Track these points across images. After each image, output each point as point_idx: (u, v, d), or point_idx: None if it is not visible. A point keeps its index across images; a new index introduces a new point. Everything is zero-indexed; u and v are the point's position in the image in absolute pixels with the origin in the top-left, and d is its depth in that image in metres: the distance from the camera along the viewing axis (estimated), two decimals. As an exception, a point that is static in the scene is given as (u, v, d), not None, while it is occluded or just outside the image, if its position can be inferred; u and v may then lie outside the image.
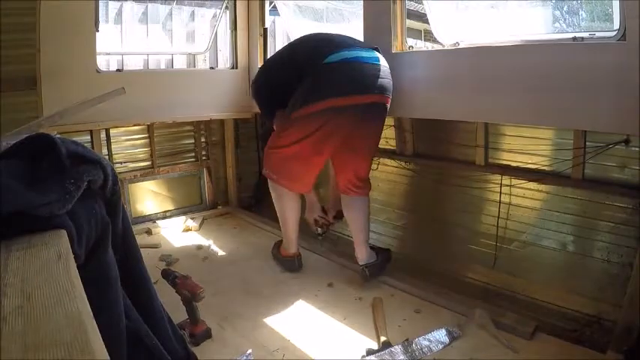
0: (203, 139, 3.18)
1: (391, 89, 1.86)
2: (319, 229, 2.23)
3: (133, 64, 5.36)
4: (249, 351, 1.50)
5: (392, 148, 2.44)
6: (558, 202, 1.83)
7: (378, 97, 1.82)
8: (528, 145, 1.92)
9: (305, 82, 1.81)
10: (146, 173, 2.93)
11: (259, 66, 3.07)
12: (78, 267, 0.53)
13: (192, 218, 2.91)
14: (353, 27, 3.17)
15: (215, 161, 3.24)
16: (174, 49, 6.40)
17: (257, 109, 3.24)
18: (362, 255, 1.98)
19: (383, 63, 1.84)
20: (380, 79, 1.80)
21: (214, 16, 3.81)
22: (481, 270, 1.96)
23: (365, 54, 1.81)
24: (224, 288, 1.99)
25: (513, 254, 1.91)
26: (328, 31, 2.15)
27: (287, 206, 2.10)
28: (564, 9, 2.19)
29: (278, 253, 2.23)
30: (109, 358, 0.38)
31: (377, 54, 1.86)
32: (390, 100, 1.87)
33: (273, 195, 2.12)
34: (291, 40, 2.19)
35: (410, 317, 1.71)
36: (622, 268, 1.60)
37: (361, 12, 2.25)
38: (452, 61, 1.95)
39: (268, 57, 2.36)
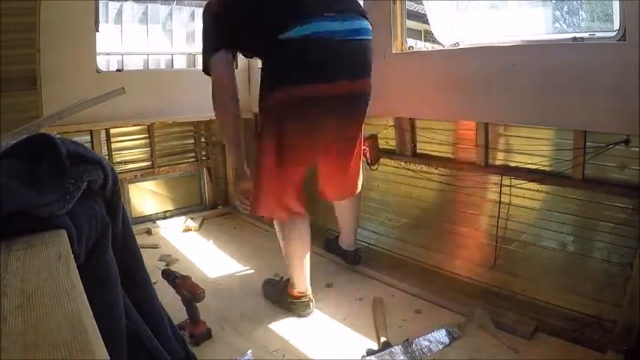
0: (203, 139, 3.18)
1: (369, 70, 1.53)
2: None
3: (133, 64, 5.37)
4: (249, 351, 1.50)
5: (392, 148, 2.44)
6: (558, 202, 1.82)
7: (352, 84, 1.49)
8: (528, 145, 1.92)
9: (271, 61, 1.48)
10: (146, 173, 2.93)
11: (259, 67, 3.08)
12: (78, 267, 0.53)
13: (192, 218, 2.91)
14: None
15: (215, 161, 3.24)
16: (174, 49, 6.41)
17: (257, 109, 3.28)
18: (353, 241, 2.10)
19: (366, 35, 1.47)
20: (358, 60, 1.46)
21: (214, 16, 3.80)
22: (481, 270, 1.96)
23: (338, 26, 1.40)
24: (223, 289, 1.99)
25: (513, 254, 1.91)
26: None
27: (293, 236, 1.72)
28: (564, 9, 2.19)
29: (285, 294, 1.78)
30: (109, 358, 0.38)
31: (359, 21, 1.46)
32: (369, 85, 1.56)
33: (278, 235, 1.76)
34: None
35: (410, 317, 1.71)
36: (622, 268, 1.60)
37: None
38: (452, 62, 1.95)
39: None
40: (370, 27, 1.51)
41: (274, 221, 1.75)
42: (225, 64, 1.57)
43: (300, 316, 1.74)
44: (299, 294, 1.74)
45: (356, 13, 1.46)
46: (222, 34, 1.55)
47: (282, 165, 1.55)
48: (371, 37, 1.52)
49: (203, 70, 1.65)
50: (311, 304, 1.75)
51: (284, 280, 1.86)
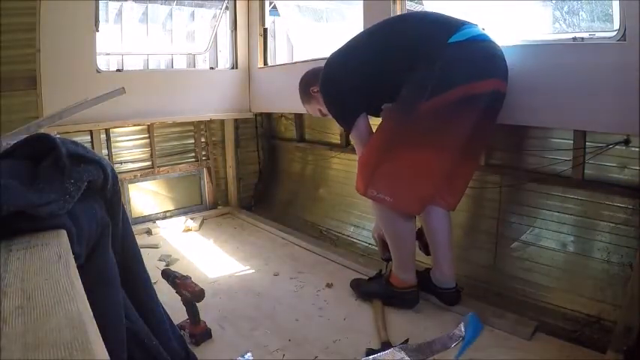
0: (203, 139, 3.18)
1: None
2: (387, 252, 1.85)
3: (133, 64, 5.37)
4: (250, 351, 1.50)
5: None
6: (558, 202, 1.82)
7: (501, 82, 1.55)
8: (528, 145, 1.92)
9: (423, 69, 1.50)
10: (146, 173, 2.93)
11: (260, 66, 3.10)
12: (78, 267, 0.53)
13: (192, 218, 2.91)
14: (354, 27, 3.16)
15: (215, 161, 3.25)
16: (174, 49, 6.41)
17: (257, 109, 3.29)
18: (453, 275, 1.77)
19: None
20: (503, 62, 1.55)
21: (214, 16, 3.81)
22: (481, 270, 1.96)
23: (481, 32, 1.55)
24: (223, 289, 1.99)
25: (513, 254, 1.91)
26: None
27: (405, 226, 1.70)
28: (564, 9, 2.20)
29: (388, 285, 1.78)
30: (109, 358, 0.38)
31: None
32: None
33: (384, 216, 1.71)
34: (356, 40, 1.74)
35: (410, 317, 1.71)
36: (622, 268, 1.60)
37: (361, 12, 2.25)
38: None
39: (340, 47, 1.76)
40: None
41: (380, 205, 1.65)
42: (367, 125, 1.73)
43: (409, 307, 1.74)
44: (410, 285, 1.75)
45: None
46: (357, 100, 1.69)
47: (457, 160, 1.59)
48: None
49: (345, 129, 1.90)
50: (417, 294, 1.76)
51: (385, 272, 1.87)
